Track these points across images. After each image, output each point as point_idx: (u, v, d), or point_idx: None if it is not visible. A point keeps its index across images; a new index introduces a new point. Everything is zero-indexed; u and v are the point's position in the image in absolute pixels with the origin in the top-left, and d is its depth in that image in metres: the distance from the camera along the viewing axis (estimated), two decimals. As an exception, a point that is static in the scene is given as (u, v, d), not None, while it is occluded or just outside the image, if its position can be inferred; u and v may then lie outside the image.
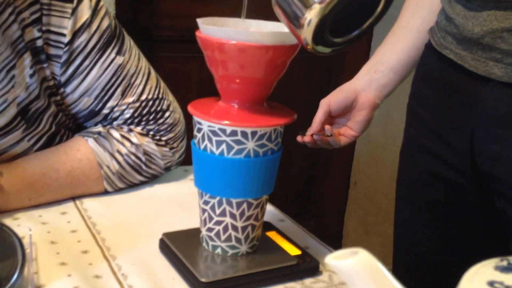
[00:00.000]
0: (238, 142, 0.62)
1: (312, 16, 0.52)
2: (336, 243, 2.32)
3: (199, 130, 0.64)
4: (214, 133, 0.63)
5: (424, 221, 0.95)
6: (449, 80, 0.85)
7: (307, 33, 0.53)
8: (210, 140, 0.63)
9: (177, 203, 0.85)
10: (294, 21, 0.54)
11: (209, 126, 0.63)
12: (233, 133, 0.62)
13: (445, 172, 0.88)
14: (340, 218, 2.36)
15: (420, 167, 0.93)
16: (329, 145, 0.97)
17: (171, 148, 0.90)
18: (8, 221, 0.75)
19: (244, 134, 0.62)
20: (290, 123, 0.64)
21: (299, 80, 2.06)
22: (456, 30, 0.81)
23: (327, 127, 0.96)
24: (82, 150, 0.83)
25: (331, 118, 0.99)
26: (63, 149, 0.83)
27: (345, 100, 0.96)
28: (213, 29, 0.61)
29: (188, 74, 1.86)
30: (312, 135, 0.95)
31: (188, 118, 0.70)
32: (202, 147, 0.65)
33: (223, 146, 0.63)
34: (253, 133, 0.62)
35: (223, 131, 0.62)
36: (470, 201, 0.87)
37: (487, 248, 0.91)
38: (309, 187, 2.27)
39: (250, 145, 0.63)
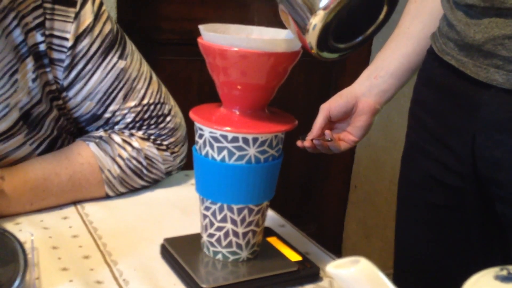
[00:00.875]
0: (239, 148, 0.63)
1: (316, 21, 0.54)
2: (336, 247, 2.32)
3: (201, 136, 0.65)
4: (216, 139, 0.63)
5: (425, 225, 0.95)
6: (450, 86, 0.85)
7: (311, 38, 0.55)
8: (211, 146, 0.64)
9: (178, 208, 0.85)
10: (300, 26, 0.55)
11: (210, 132, 0.63)
12: (235, 139, 0.62)
13: (446, 177, 0.88)
14: (340, 221, 2.35)
15: (422, 172, 0.93)
16: (329, 150, 0.97)
17: (172, 153, 0.90)
18: (10, 226, 0.75)
19: (245, 141, 0.62)
20: (291, 129, 0.65)
21: (299, 85, 2.06)
22: (458, 37, 0.81)
23: (327, 132, 0.96)
24: (84, 154, 0.84)
25: (331, 123, 0.99)
26: (65, 154, 0.83)
27: (345, 105, 0.96)
28: (215, 36, 0.61)
29: (188, 77, 1.87)
30: (312, 140, 0.95)
31: (189, 122, 0.70)
32: (203, 153, 0.65)
33: (225, 152, 0.63)
34: (255, 140, 0.62)
35: (225, 137, 0.62)
36: (471, 205, 0.88)
37: (488, 251, 0.91)
38: (309, 191, 2.27)
39: (251, 151, 0.63)
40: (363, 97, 0.96)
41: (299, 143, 0.96)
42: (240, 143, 0.62)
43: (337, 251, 2.32)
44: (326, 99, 0.98)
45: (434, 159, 0.89)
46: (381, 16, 0.57)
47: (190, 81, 1.87)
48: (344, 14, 0.54)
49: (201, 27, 0.63)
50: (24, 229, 0.75)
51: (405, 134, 0.98)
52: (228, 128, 0.62)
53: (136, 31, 1.76)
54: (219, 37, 0.61)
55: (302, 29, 0.55)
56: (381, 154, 2.17)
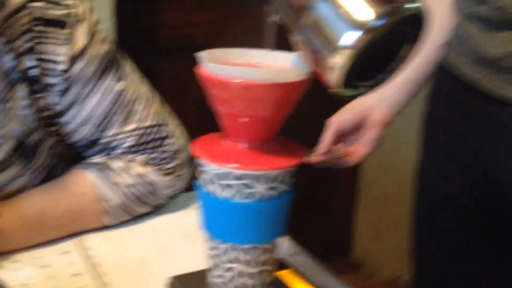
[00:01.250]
0: (246, 185, 0.58)
1: (342, 60, 0.49)
2: (345, 249, 2.30)
3: (203, 172, 0.60)
4: (219, 176, 0.59)
5: (440, 245, 0.93)
6: (464, 101, 0.82)
7: (336, 77, 0.50)
8: (214, 183, 0.59)
9: (183, 236, 0.81)
10: (322, 63, 0.51)
11: (213, 169, 0.59)
12: (241, 176, 0.58)
13: (459, 195, 0.86)
14: (349, 224, 2.33)
15: (435, 190, 0.91)
16: (336, 165, 0.94)
17: (175, 176, 0.85)
18: (7, 264, 0.71)
19: (252, 177, 0.58)
20: (301, 163, 0.60)
21: (304, 99, 2.02)
22: (471, 51, 0.77)
23: (336, 147, 0.92)
24: (81, 184, 0.79)
25: (339, 137, 0.95)
26: (61, 184, 0.79)
27: (354, 118, 0.93)
28: (218, 67, 0.56)
29: (188, 84, 1.83)
30: (320, 156, 0.92)
31: (192, 136, 0.65)
32: (206, 190, 0.61)
33: (230, 189, 0.59)
34: (262, 176, 0.58)
35: (229, 174, 0.58)
36: (484, 223, 0.85)
37: (502, 270, 0.89)
38: (317, 193, 2.24)
39: (259, 188, 0.59)
40: (374, 110, 0.93)
41: (303, 158, 0.92)
42: (247, 180, 0.58)
43: (346, 254, 2.29)
44: (333, 113, 0.94)
45: (447, 176, 0.88)
46: (405, 51, 0.53)
47: (190, 88, 1.83)
48: (369, 50, 0.49)
49: (202, 57, 0.58)
50: (20, 268, 0.71)
51: (410, 133, 0.96)
52: (233, 165, 0.58)
53: (136, 36, 1.73)
54: (223, 68, 0.56)
55: (324, 66, 0.50)
56: (389, 156, 2.13)
